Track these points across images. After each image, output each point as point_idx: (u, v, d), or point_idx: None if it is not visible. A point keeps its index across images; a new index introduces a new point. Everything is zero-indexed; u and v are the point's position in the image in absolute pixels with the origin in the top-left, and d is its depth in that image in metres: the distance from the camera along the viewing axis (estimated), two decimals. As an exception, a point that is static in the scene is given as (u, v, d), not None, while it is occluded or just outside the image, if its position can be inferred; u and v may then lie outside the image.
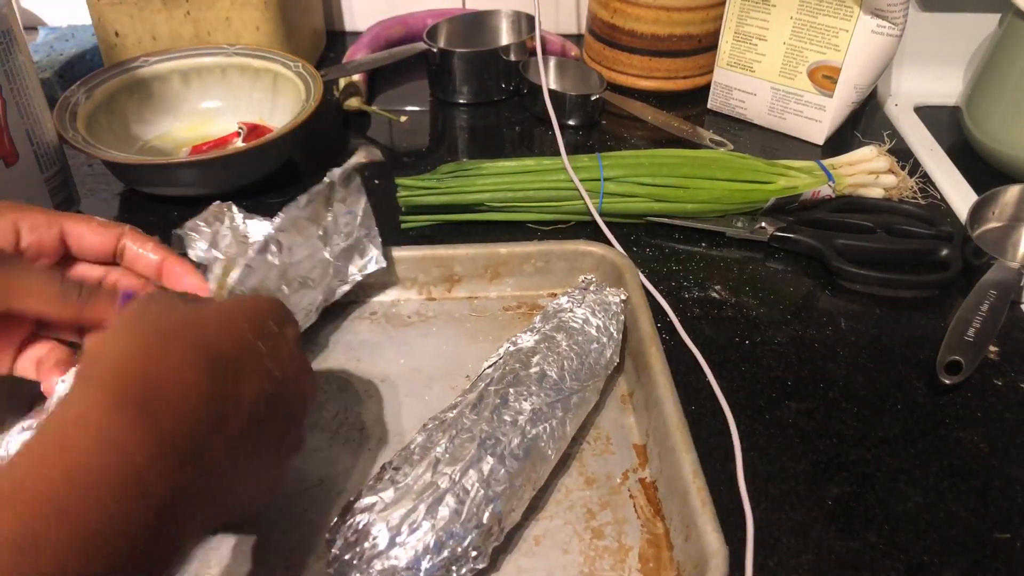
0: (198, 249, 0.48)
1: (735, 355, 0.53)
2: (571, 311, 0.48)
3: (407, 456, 0.40)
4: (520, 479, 0.40)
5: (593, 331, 0.47)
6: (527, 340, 0.46)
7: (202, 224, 0.49)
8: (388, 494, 0.38)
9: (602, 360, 0.47)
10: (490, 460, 0.39)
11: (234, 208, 0.50)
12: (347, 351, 0.52)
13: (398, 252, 0.56)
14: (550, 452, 0.42)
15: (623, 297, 0.51)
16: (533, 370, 0.44)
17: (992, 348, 0.54)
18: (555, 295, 0.55)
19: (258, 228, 0.49)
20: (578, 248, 0.56)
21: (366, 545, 0.36)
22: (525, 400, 0.42)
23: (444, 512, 0.37)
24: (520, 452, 0.40)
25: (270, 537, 0.41)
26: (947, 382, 0.50)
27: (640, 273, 0.56)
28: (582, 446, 0.47)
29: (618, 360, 0.49)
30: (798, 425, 0.49)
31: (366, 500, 0.38)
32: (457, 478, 0.38)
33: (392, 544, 0.36)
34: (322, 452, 0.46)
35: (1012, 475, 0.46)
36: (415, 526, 0.36)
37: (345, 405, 0.49)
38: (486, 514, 0.37)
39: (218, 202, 0.50)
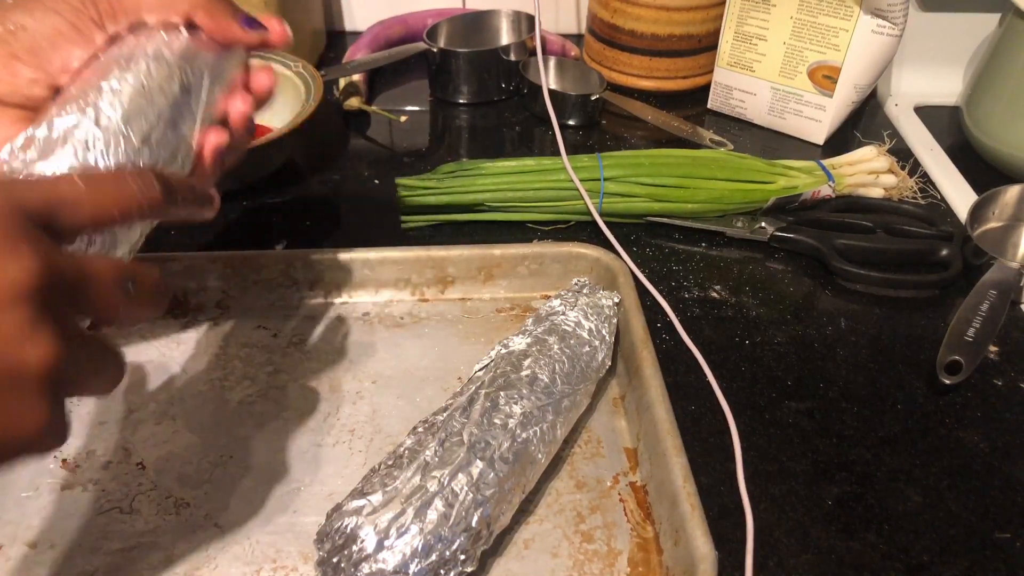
0: None
1: (735, 355, 0.53)
2: (563, 314, 0.48)
3: (396, 459, 0.40)
4: (509, 483, 0.39)
5: (585, 334, 0.47)
6: (519, 343, 0.46)
7: None
8: (377, 497, 0.37)
9: (594, 363, 0.47)
10: (479, 464, 0.39)
11: None
12: (338, 352, 0.52)
13: (392, 253, 0.55)
14: (540, 456, 0.42)
15: (616, 300, 0.51)
16: (524, 373, 0.43)
17: (992, 348, 0.54)
18: (548, 297, 0.55)
19: None
20: (572, 250, 0.56)
21: (354, 548, 0.36)
22: (516, 404, 0.42)
23: (433, 516, 0.37)
24: (510, 456, 0.40)
25: (258, 539, 0.41)
26: (947, 382, 0.50)
27: (634, 275, 0.56)
28: (573, 449, 0.46)
29: (610, 363, 0.49)
30: (798, 425, 0.49)
31: (355, 503, 0.38)
32: (446, 482, 0.38)
33: (380, 547, 0.36)
34: (311, 453, 0.46)
35: (1012, 475, 0.46)
36: (403, 529, 0.36)
37: (336, 406, 0.49)
38: (475, 518, 0.37)
39: None
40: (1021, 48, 0.68)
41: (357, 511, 0.37)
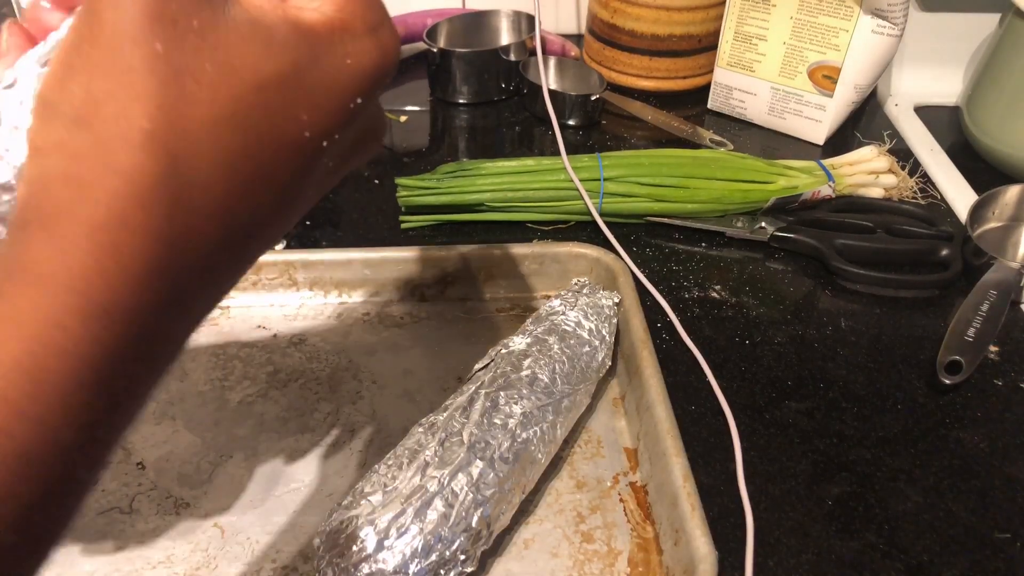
0: None
1: (735, 355, 0.53)
2: (563, 314, 0.48)
3: (396, 459, 0.40)
4: (509, 483, 0.39)
5: (585, 334, 0.47)
6: (519, 343, 0.46)
7: None
8: (377, 497, 0.37)
9: (594, 363, 0.47)
10: (479, 464, 0.39)
11: None
12: (338, 352, 0.52)
13: (392, 253, 0.55)
14: (540, 456, 0.42)
15: (616, 300, 0.51)
16: (524, 373, 0.43)
17: (992, 348, 0.54)
18: (548, 297, 0.55)
19: None
20: (572, 250, 0.56)
21: (354, 548, 0.36)
22: (516, 404, 0.42)
23: (433, 516, 0.37)
24: (510, 456, 0.40)
25: (258, 539, 0.41)
26: (947, 382, 0.50)
27: (634, 275, 0.56)
28: (573, 449, 0.46)
29: (610, 363, 0.49)
30: (798, 425, 0.49)
31: (354, 503, 0.38)
32: (446, 482, 0.38)
33: (380, 547, 0.36)
34: (311, 454, 0.46)
35: (1012, 475, 0.46)
36: (403, 530, 0.36)
37: (336, 406, 0.49)
38: (475, 518, 0.37)
39: None
40: (1021, 48, 0.68)
41: (357, 511, 0.37)
